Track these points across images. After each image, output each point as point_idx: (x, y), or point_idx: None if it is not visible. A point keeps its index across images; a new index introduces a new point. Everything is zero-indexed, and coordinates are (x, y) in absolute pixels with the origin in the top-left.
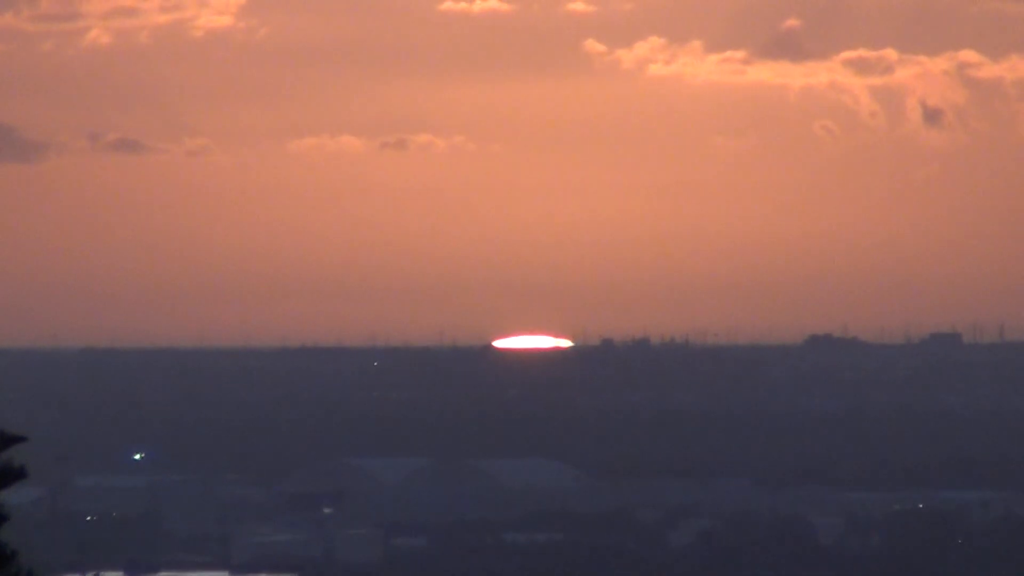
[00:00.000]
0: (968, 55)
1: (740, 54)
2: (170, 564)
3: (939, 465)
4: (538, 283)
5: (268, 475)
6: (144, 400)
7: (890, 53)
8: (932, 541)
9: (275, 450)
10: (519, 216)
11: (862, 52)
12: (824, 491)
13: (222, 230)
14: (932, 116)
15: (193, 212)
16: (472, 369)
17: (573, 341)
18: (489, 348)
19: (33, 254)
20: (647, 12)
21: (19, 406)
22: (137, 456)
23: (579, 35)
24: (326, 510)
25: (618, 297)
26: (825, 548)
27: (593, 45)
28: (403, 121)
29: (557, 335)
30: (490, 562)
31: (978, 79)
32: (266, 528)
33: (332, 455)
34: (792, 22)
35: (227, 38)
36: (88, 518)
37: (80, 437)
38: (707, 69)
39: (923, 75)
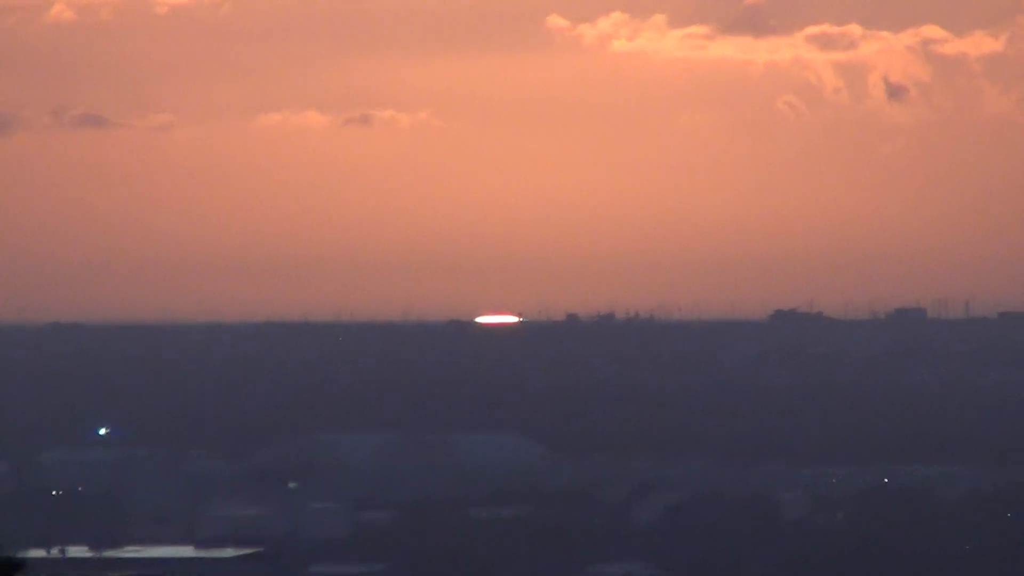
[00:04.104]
0: (932, 31)
1: (703, 30)
2: (135, 539)
3: (904, 440)
4: (503, 258)
5: (234, 450)
6: (111, 375)
7: (854, 29)
8: (898, 516)
9: (241, 425)
10: (483, 192)
11: (826, 28)
12: (789, 467)
13: (187, 205)
14: (896, 92)
15: (158, 187)
16: (437, 345)
17: (538, 316)
18: (454, 323)
19: None
20: None
21: None
22: (103, 431)
23: (542, 11)
24: (292, 485)
25: (583, 272)
26: (791, 524)
27: (556, 21)
28: (367, 97)
29: (522, 310)
30: (456, 537)
31: (942, 54)
32: (232, 503)
33: (298, 430)
34: None
35: (191, 13)
36: (54, 493)
37: (47, 411)
38: (670, 45)
39: (887, 51)
